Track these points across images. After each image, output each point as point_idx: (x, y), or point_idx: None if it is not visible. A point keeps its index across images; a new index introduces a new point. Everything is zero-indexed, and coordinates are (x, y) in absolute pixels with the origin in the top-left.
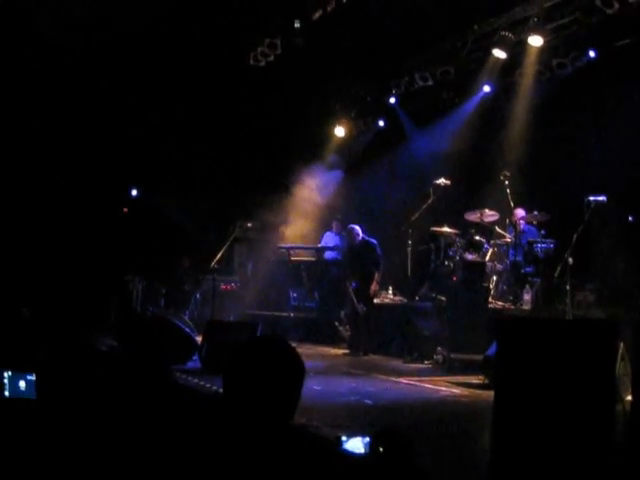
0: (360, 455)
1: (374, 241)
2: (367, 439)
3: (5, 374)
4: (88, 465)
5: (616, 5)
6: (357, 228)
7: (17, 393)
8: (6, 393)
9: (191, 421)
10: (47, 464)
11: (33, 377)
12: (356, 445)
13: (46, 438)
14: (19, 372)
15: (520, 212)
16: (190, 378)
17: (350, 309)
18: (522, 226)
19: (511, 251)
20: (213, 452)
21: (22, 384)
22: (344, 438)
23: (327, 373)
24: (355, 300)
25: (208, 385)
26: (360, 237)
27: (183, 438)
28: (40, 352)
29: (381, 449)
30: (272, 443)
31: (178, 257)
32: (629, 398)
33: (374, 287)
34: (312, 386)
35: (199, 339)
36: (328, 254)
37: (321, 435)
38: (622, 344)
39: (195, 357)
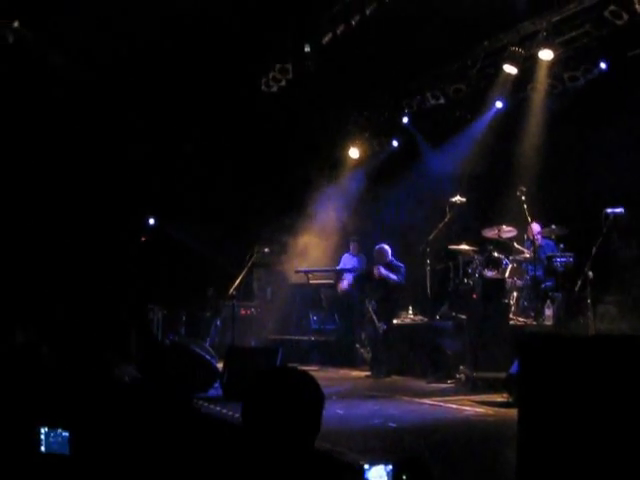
0: None
1: (401, 265)
2: (390, 467)
3: (42, 430)
4: None
5: (625, 16)
6: (388, 249)
7: (52, 449)
8: (42, 449)
9: (213, 450)
10: None
11: (67, 434)
12: (379, 473)
13: None
14: (54, 428)
15: (536, 227)
16: (212, 406)
17: (371, 329)
18: (540, 241)
19: (530, 266)
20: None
21: (57, 440)
22: (366, 466)
23: (350, 396)
24: (376, 319)
25: (230, 413)
26: (389, 258)
27: (206, 467)
28: (73, 407)
29: (404, 477)
30: (295, 470)
31: (202, 286)
32: None
33: (382, 270)
34: (335, 410)
35: (220, 366)
36: (347, 276)
37: (345, 461)
38: None
39: (217, 385)
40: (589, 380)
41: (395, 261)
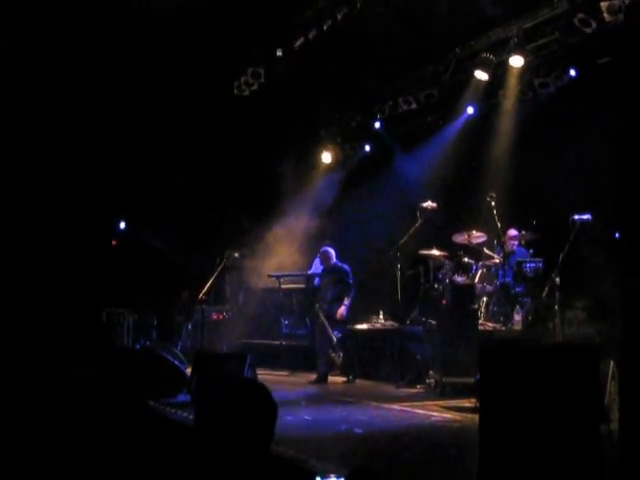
0: None
1: (347, 267)
2: (342, 479)
3: None
4: None
5: (594, 24)
6: (331, 251)
7: None
8: None
9: (167, 455)
10: None
11: None
12: None
13: None
14: None
15: (513, 232)
16: (180, 412)
17: (320, 335)
18: (514, 247)
19: (500, 272)
20: None
21: None
22: (318, 479)
23: (319, 402)
24: (328, 326)
25: None
26: (333, 261)
27: (158, 469)
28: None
29: None
30: (246, 478)
31: (173, 290)
32: None
33: (341, 311)
34: (303, 416)
35: (189, 371)
36: (318, 281)
37: (302, 469)
38: (612, 363)
39: (185, 390)
40: (547, 388)
41: (339, 263)
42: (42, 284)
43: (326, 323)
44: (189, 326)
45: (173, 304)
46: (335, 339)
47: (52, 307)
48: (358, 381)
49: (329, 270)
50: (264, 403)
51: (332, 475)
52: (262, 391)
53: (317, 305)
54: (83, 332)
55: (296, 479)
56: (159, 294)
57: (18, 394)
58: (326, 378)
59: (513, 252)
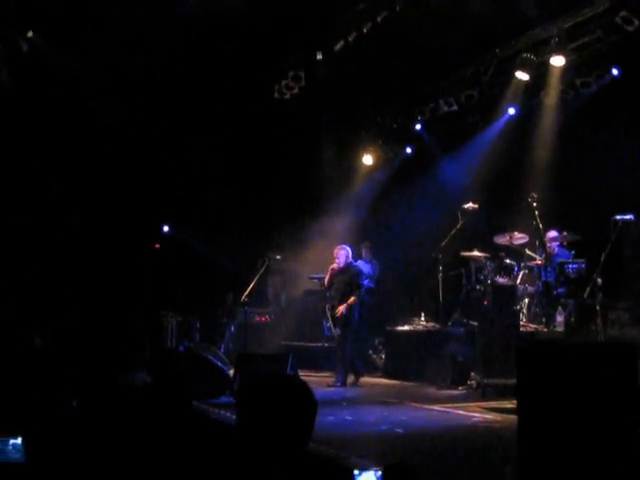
0: None
1: (359, 267)
2: (379, 472)
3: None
4: None
5: (636, 22)
6: (345, 250)
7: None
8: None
9: (214, 454)
10: None
11: (18, 441)
12: (369, 478)
13: None
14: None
15: (552, 233)
16: (223, 412)
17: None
18: (555, 248)
19: (542, 273)
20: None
21: (8, 448)
22: (356, 472)
23: (360, 403)
24: (332, 323)
25: None
26: (347, 260)
27: (202, 468)
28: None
29: None
30: (286, 474)
31: (216, 293)
32: None
33: (340, 309)
34: (344, 416)
35: (232, 372)
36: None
37: (338, 465)
38: None
39: (229, 391)
40: (586, 387)
41: (353, 263)
42: (88, 288)
43: (330, 322)
44: (232, 328)
45: (216, 306)
46: (336, 335)
47: (99, 310)
48: (399, 382)
49: (342, 269)
50: (305, 399)
51: (369, 469)
52: (303, 387)
53: (327, 305)
54: (138, 336)
55: (333, 474)
56: (202, 297)
57: (72, 399)
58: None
59: (554, 253)
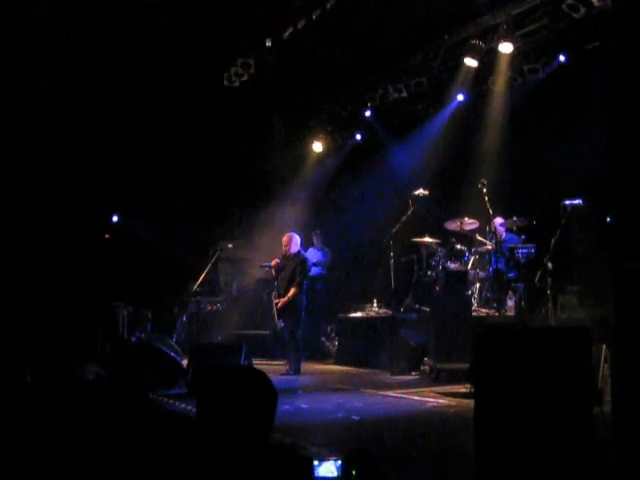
0: (334, 479)
1: (306, 255)
2: (339, 462)
3: None
4: None
5: (582, 9)
6: (291, 237)
7: None
8: None
9: (170, 445)
10: None
11: None
12: (329, 469)
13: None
14: None
15: (498, 220)
16: (177, 403)
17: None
18: (502, 234)
19: (493, 258)
20: (190, 473)
21: None
22: (316, 462)
23: (315, 390)
24: (276, 314)
25: (194, 409)
26: (294, 249)
27: (162, 461)
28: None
29: (354, 472)
30: (248, 465)
31: (171, 282)
32: None
33: (281, 300)
34: (300, 405)
35: (186, 362)
36: (312, 270)
37: (300, 455)
38: (605, 346)
39: (182, 381)
40: (540, 371)
41: (300, 251)
42: (37, 279)
43: (274, 311)
44: (184, 318)
45: (167, 296)
46: (279, 327)
47: (50, 302)
48: (353, 369)
49: (289, 257)
50: (264, 389)
51: (329, 459)
52: (262, 378)
53: (273, 294)
54: (95, 327)
55: (294, 465)
56: (153, 287)
57: (25, 392)
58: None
59: (503, 240)
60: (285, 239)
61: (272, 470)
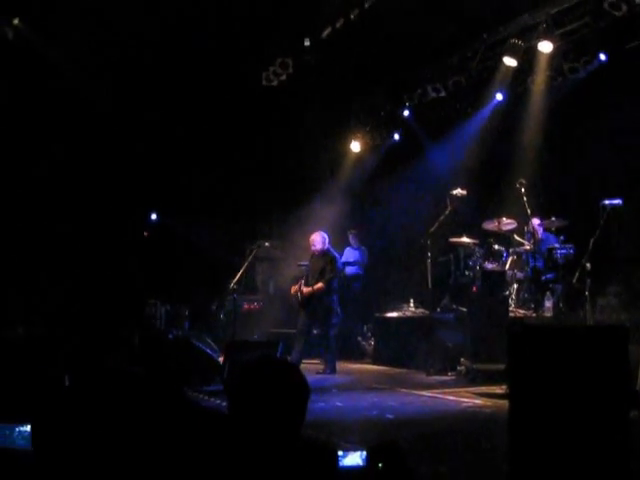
0: (360, 469)
1: (335, 253)
2: (364, 453)
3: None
4: None
5: (624, 8)
6: (324, 235)
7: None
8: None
9: (205, 441)
10: None
11: (27, 428)
12: (354, 460)
13: None
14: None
15: (535, 221)
16: (213, 399)
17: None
18: (540, 234)
19: (531, 259)
20: (222, 468)
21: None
22: (341, 453)
23: (350, 389)
24: (300, 301)
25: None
26: (322, 247)
27: (196, 457)
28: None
29: (380, 463)
30: (279, 458)
31: (209, 281)
32: None
33: (305, 290)
34: (334, 403)
35: (222, 360)
36: (349, 269)
37: (323, 447)
38: None
39: (218, 378)
40: (576, 370)
41: (329, 249)
42: (77, 276)
43: (299, 300)
44: (221, 316)
45: (205, 294)
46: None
47: (87, 298)
48: (389, 369)
49: (318, 255)
50: (296, 381)
51: (355, 450)
52: (293, 370)
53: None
54: (132, 324)
55: (319, 455)
56: (191, 285)
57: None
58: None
59: (541, 240)
60: (312, 238)
61: (298, 462)
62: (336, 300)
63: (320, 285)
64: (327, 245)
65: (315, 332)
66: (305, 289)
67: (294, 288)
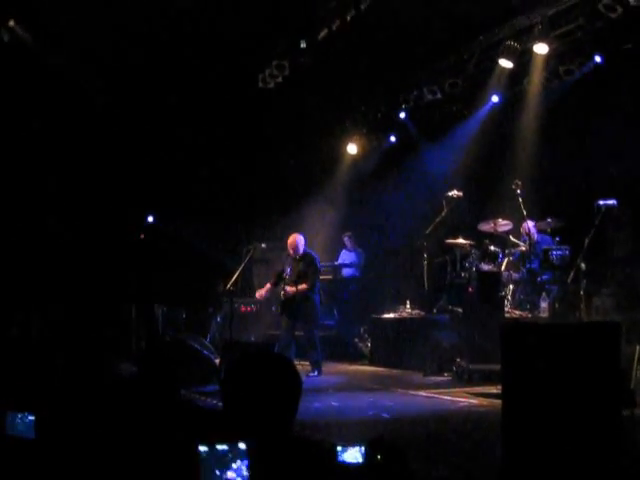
0: (359, 464)
1: (314, 255)
2: (363, 448)
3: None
4: None
5: (619, 9)
6: (301, 238)
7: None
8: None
9: (195, 437)
10: None
11: (32, 417)
12: (353, 455)
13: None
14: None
15: (529, 223)
16: (209, 400)
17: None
18: (535, 236)
19: (526, 260)
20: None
21: (20, 423)
22: (339, 449)
23: (346, 389)
24: (280, 308)
25: None
26: (301, 249)
27: (190, 456)
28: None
29: (379, 457)
30: (272, 453)
31: (205, 283)
32: None
33: (290, 289)
34: (330, 402)
35: (218, 361)
36: (346, 271)
37: (321, 444)
38: (639, 347)
39: (215, 379)
40: (569, 366)
41: (308, 251)
42: (72, 279)
43: (280, 304)
44: (218, 318)
45: (201, 296)
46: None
47: (84, 301)
48: (385, 369)
49: (298, 258)
50: (288, 373)
51: (353, 445)
52: (286, 362)
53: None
54: (129, 326)
55: (317, 451)
56: (187, 287)
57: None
58: None
59: (536, 242)
60: (291, 241)
61: (295, 457)
62: (317, 300)
63: (304, 286)
64: (305, 247)
65: (300, 333)
66: (290, 288)
67: (259, 293)
